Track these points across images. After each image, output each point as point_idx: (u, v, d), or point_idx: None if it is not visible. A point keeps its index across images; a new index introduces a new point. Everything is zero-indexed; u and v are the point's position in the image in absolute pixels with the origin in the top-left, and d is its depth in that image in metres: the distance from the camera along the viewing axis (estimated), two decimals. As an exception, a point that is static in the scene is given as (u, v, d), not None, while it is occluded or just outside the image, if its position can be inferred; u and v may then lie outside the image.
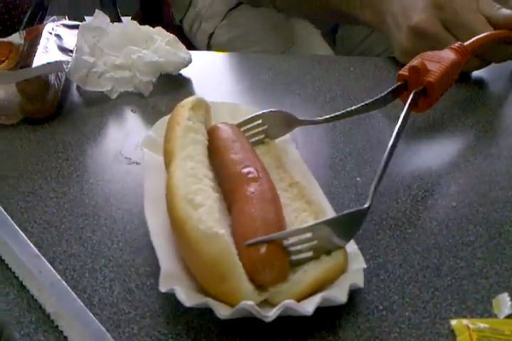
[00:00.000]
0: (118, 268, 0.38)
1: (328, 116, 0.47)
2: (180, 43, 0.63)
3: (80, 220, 0.43)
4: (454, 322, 0.34)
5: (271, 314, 0.31)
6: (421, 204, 0.44)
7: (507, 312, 0.35)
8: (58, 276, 0.37)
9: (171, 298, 0.36)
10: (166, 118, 0.45)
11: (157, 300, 0.36)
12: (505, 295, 0.36)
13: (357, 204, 0.35)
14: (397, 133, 0.42)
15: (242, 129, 0.45)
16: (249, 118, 0.46)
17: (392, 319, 0.35)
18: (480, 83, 0.62)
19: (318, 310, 0.32)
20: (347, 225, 0.35)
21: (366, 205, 0.36)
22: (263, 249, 0.32)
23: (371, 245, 0.40)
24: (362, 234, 0.41)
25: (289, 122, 0.46)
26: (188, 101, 0.44)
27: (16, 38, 0.67)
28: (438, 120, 0.55)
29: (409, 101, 0.47)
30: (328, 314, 0.34)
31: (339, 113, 0.47)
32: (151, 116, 0.58)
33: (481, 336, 0.32)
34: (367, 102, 0.48)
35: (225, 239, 0.32)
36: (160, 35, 0.62)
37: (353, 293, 0.35)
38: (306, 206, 0.38)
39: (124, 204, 0.45)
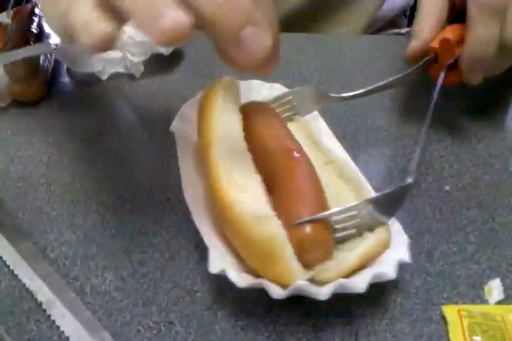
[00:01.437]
0: (110, 255, 0.38)
1: (355, 93, 0.45)
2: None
3: (71, 206, 0.42)
4: (445, 309, 0.34)
5: (324, 292, 0.32)
6: (415, 188, 0.44)
7: (498, 297, 0.35)
8: (50, 265, 0.37)
9: (162, 286, 0.36)
10: (196, 98, 0.44)
11: (149, 288, 0.36)
12: (497, 281, 0.36)
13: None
14: (434, 107, 0.43)
15: (272, 106, 0.45)
16: (279, 95, 0.45)
17: (385, 305, 0.35)
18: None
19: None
20: (390, 202, 0.35)
21: (409, 181, 0.36)
22: (310, 228, 0.33)
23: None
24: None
25: (318, 98, 0.46)
26: (219, 81, 0.43)
27: (4, 17, 0.66)
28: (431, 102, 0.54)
29: (443, 74, 0.46)
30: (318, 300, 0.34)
31: (366, 89, 0.46)
32: (142, 98, 0.57)
33: (471, 322, 0.33)
34: (395, 78, 0.46)
35: (275, 221, 0.32)
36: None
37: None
38: (344, 183, 0.39)
39: (115, 189, 0.44)
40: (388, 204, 0.35)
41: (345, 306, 0.35)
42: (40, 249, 0.38)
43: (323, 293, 0.32)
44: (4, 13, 0.67)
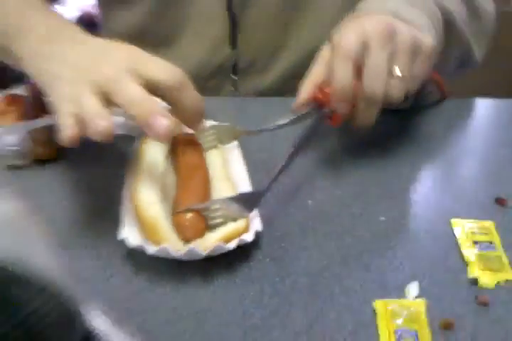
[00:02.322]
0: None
1: (260, 128, 0.64)
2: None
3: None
4: (376, 302, 0.46)
5: (179, 254, 0.47)
6: (358, 220, 0.57)
7: (414, 294, 0.47)
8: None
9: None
10: None
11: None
12: (415, 283, 0.48)
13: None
14: (300, 141, 0.58)
15: (200, 135, 0.62)
16: (205, 129, 0.63)
17: (332, 305, 0.47)
18: (416, 112, 0.76)
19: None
20: (246, 202, 0.52)
21: (262, 189, 0.54)
22: (184, 215, 0.50)
23: (318, 252, 0.53)
24: (306, 245, 0.54)
25: (233, 132, 0.64)
26: None
27: (20, 90, 0.79)
28: (378, 148, 0.68)
29: (313, 119, 0.61)
30: (277, 306, 0.46)
31: (265, 127, 0.63)
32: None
33: (394, 310, 0.45)
34: (288, 120, 0.62)
35: (157, 207, 0.51)
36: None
37: (304, 284, 0.48)
38: (232, 193, 0.55)
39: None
40: (245, 203, 0.52)
41: (303, 305, 0.47)
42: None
43: (178, 254, 0.47)
44: (20, 87, 0.81)
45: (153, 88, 0.52)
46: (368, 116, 0.60)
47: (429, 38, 0.61)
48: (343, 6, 0.86)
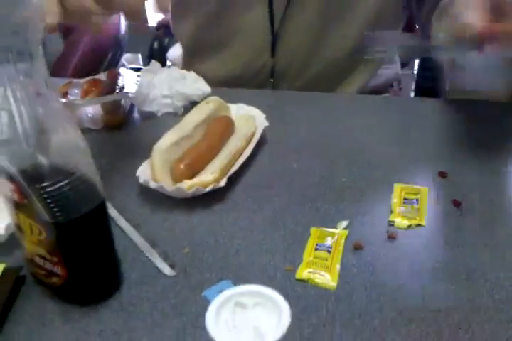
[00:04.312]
0: None
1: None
2: (202, 80, 0.99)
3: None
4: (312, 229, 0.66)
5: (169, 191, 0.69)
6: (325, 179, 0.76)
7: (342, 227, 0.66)
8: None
9: None
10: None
11: None
12: (346, 221, 0.67)
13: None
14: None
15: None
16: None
17: (284, 229, 0.67)
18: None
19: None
20: None
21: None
22: (179, 165, 0.72)
23: (286, 197, 0.73)
24: (279, 192, 0.73)
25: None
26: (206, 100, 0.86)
27: (102, 76, 1.05)
28: (371, 135, 0.87)
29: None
30: (244, 226, 0.67)
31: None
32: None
33: (322, 235, 0.64)
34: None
35: (162, 156, 0.73)
36: (189, 75, 0.98)
37: (269, 216, 0.68)
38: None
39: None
40: None
41: (263, 228, 0.67)
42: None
43: (169, 190, 0.69)
44: (102, 73, 1.07)
45: None
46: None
47: None
48: (368, 19, 1.05)
